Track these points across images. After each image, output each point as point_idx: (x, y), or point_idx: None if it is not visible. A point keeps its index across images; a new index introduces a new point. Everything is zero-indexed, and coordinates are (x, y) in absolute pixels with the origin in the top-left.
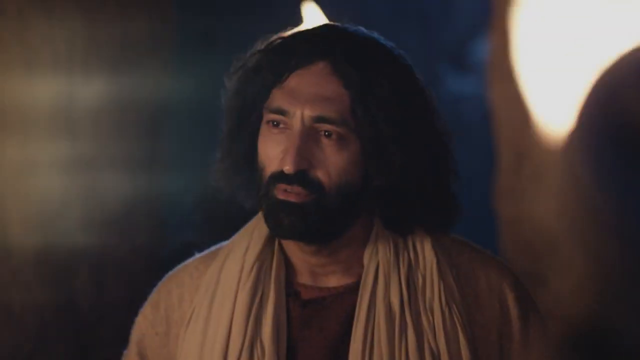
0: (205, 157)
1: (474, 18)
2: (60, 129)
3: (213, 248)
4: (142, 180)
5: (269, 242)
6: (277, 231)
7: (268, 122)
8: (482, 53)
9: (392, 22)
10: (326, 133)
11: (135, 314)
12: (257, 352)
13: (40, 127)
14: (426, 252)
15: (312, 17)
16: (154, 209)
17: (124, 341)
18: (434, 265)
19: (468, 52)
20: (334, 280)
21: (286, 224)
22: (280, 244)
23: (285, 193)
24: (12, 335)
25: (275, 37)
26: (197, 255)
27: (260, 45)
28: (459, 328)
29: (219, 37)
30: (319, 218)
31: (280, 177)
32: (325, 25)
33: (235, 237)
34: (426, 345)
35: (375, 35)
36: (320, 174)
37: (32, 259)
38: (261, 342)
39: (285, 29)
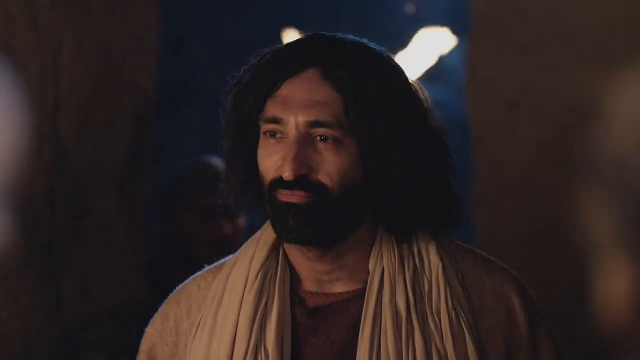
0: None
1: (445, 25)
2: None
3: (222, 260)
4: (127, 187)
5: (274, 250)
6: (284, 234)
7: (265, 133)
8: (453, 61)
9: (364, 34)
10: (322, 137)
11: (121, 320)
12: (261, 358)
13: None
14: (432, 257)
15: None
16: (136, 213)
17: (108, 347)
18: (440, 270)
19: (439, 60)
20: (340, 287)
21: (292, 225)
22: (285, 253)
23: (288, 196)
24: None
25: (266, 51)
26: (207, 268)
27: (253, 61)
28: (466, 332)
29: (193, 42)
30: (324, 219)
31: (280, 182)
32: (314, 35)
33: (243, 247)
34: (434, 349)
35: (364, 41)
36: (322, 177)
37: (18, 265)
38: (265, 348)
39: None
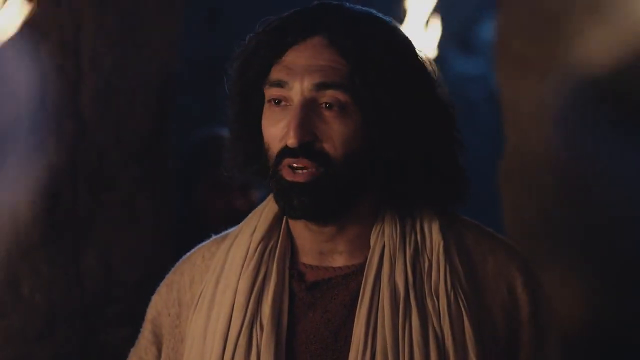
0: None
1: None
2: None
3: (229, 230)
4: (149, 161)
5: (276, 223)
6: (288, 212)
7: (269, 100)
8: (488, 34)
9: (398, 2)
10: (327, 105)
11: (143, 294)
12: (256, 332)
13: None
14: (434, 235)
15: None
16: (158, 187)
17: (131, 322)
18: (441, 248)
19: (474, 34)
20: (340, 261)
21: (296, 204)
22: (287, 225)
23: (292, 174)
24: (21, 316)
25: (272, 18)
26: (213, 237)
27: (258, 29)
28: (464, 312)
29: (224, 14)
30: (329, 193)
31: (285, 152)
32: (320, 3)
33: (246, 218)
34: (430, 329)
35: (372, 10)
36: (326, 146)
37: (40, 239)
38: (260, 323)
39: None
